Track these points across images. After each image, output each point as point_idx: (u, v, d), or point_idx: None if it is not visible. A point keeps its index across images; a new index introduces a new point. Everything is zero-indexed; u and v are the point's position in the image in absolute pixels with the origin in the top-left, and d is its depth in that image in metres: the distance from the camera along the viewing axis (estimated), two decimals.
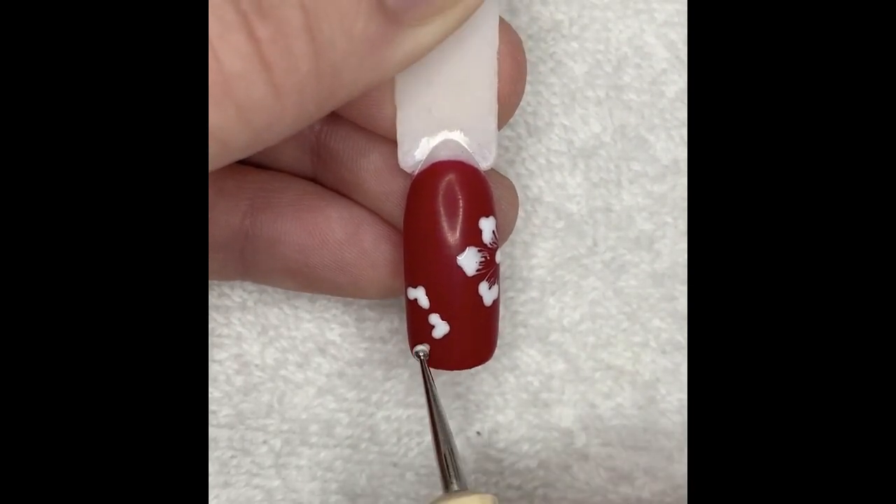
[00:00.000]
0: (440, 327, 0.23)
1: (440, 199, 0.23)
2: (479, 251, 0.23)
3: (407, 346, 0.28)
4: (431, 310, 0.23)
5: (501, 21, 0.23)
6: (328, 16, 0.19)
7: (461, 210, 0.23)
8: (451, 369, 0.24)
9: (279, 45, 0.19)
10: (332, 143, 0.25)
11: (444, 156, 0.23)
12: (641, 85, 0.28)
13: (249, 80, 0.19)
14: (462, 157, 0.23)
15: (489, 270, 0.23)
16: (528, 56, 0.26)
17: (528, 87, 0.27)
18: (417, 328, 0.24)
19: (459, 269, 0.23)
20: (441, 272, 0.23)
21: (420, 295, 0.23)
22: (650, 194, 0.28)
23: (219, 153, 0.19)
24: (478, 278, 0.23)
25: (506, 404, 0.28)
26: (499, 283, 0.24)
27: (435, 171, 0.23)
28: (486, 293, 0.23)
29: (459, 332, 0.23)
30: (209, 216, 0.25)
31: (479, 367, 0.28)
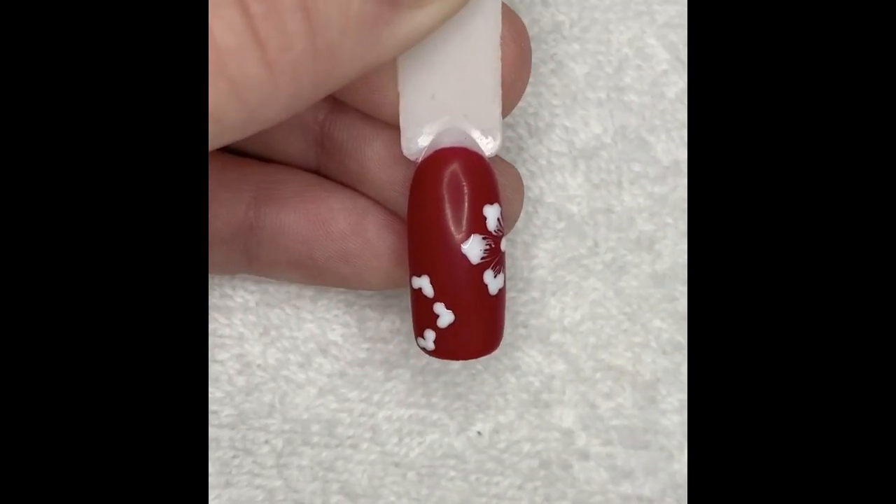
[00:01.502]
0: (445, 316, 0.23)
1: (444, 186, 0.23)
2: (484, 239, 0.23)
3: (408, 345, 0.28)
4: (436, 298, 0.23)
5: (505, 6, 0.22)
6: None
7: (465, 197, 0.23)
8: (457, 359, 0.24)
9: (273, 23, 0.18)
10: (336, 133, 0.25)
11: (447, 142, 0.23)
12: (642, 86, 0.28)
13: (242, 56, 0.18)
14: (466, 144, 0.23)
15: (494, 258, 0.23)
16: None
17: (529, 89, 0.27)
18: (422, 317, 0.23)
19: (464, 257, 0.23)
20: (445, 260, 0.23)
21: (424, 284, 0.23)
22: (651, 195, 0.28)
23: (213, 132, 0.19)
24: (482, 266, 0.23)
25: (507, 404, 0.28)
26: (504, 272, 0.24)
27: (438, 158, 0.23)
28: (492, 282, 0.23)
29: (464, 320, 0.23)
30: (212, 209, 0.25)
31: (480, 368, 0.28)
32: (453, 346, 0.24)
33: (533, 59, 0.28)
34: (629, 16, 0.28)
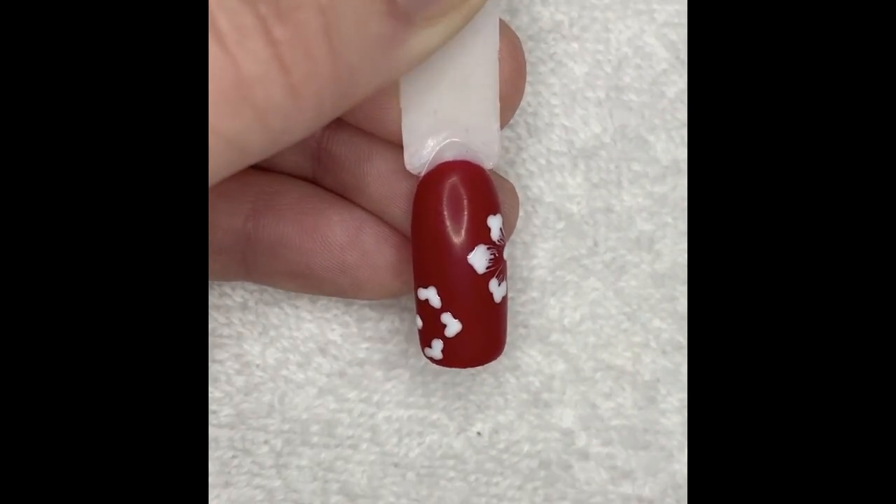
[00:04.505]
0: (452, 326, 0.23)
1: (449, 198, 0.23)
2: (489, 248, 0.23)
3: (407, 345, 0.28)
4: (443, 309, 0.23)
5: (500, 22, 0.23)
6: (345, 17, 0.19)
7: (470, 208, 0.23)
8: (465, 367, 0.25)
9: (298, 48, 0.18)
10: (334, 149, 0.25)
11: (449, 156, 0.23)
12: (641, 85, 0.28)
13: (268, 84, 0.18)
14: (467, 157, 0.23)
15: (498, 267, 0.24)
16: (528, 57, 0.26)
17: (528, 88, 0.27)
18: (430, 328, 0.24)
19: (470, 267, 0.23)
20: (452, 271, 0.23)
21: (431, 295, 0.23)
22: (650, 195, 0.28)
23: (236, 159, 0.19)
24: (488, 276, 0.23)
25: (506, 404, 0.28)
26: (507, 280, 0.24)
27: (442, 171, 0.23)
28: (496, 290, 0.24)
29: (472, 329, 0.24)
30: (211, 219, 0.25)
31: (480, 368, 0.28)
32: (461, 355, 0.24)
33: (532, 59, 0.28)
34: (628, 14, 0.28)
